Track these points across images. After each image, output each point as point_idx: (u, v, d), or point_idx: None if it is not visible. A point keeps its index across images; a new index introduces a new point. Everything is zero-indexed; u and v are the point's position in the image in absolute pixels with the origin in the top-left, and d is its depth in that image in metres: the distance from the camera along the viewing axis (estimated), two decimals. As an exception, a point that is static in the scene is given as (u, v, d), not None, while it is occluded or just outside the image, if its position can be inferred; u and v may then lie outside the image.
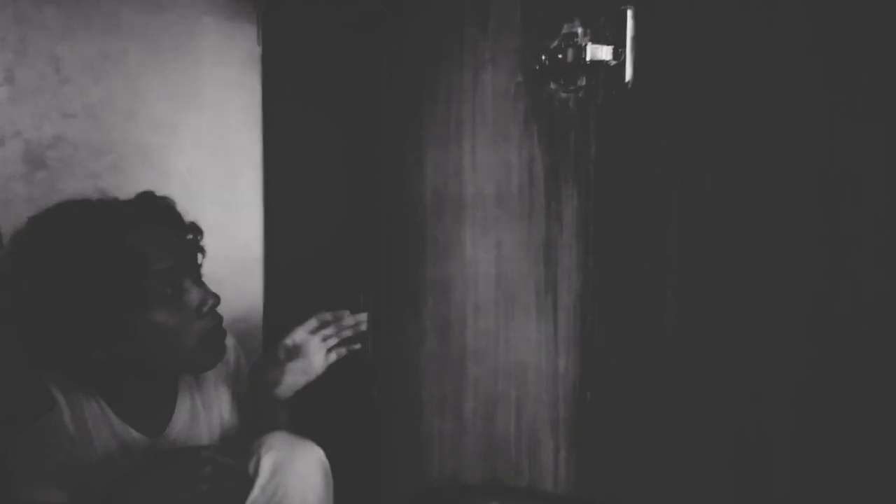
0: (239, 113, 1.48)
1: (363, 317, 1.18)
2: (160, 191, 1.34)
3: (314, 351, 1.15)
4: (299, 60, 1.43)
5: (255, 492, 1.02)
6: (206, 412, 1.17)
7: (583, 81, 0.86)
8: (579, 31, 0.86)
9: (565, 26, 0.88)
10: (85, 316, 0.99)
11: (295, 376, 1.15)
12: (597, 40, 0.84)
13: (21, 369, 0.88)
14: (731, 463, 0.75)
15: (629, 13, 0.81)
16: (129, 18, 1.32)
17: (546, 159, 0.92)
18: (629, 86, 0.82)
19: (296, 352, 1.15)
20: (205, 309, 1.06)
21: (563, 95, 0.89)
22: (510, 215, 0.97)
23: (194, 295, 1.06)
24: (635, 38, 0.81)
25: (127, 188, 1.33)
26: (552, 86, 0.90)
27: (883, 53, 0.64)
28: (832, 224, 0.67)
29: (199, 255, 1.14)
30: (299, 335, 1.16)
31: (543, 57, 0.89)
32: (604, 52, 0.83)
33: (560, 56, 0.87)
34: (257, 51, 1.49)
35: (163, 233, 1.07)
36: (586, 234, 0.88)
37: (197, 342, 1.06)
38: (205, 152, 1.44)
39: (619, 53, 0.82)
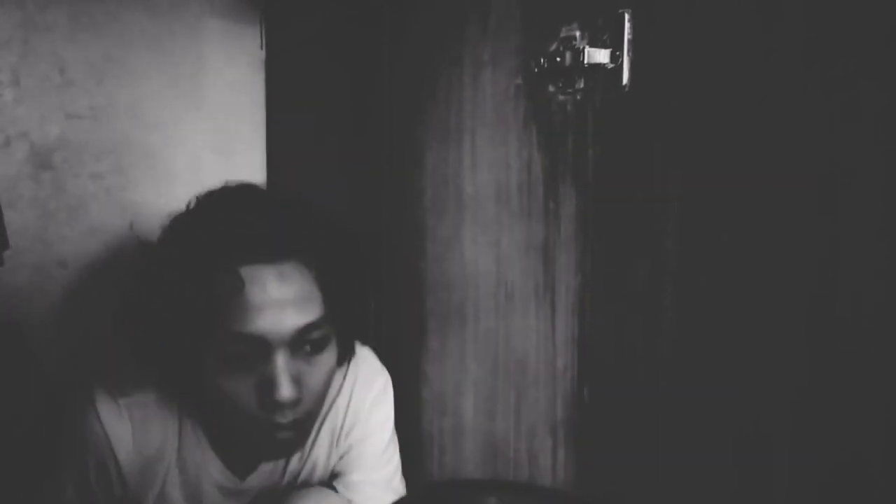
0: (242, 114, 1.49)
1: None
2: (162, 191, 1.34)
3: None
4: (301, 61, 1.43)
5: None
6: (297, 463, 0.97)
7: (581, 84, 0.87)
8: (577, 33, 0.87)
9: (564, 29, 0.88)
10: (164, 340, 0.82)
11: None
12: (594, 43, 0.84)
13: (20, 371, 0.88)
14: (731, 463, 0.75)
15: (626, 16, 0.82)
16: (132, 21, 1.33)
17: (545, 160, 0.92)
18: (626, 89, 0.82)
19: None
20: (267, 401, 0.80)
21: (562, 98, 0.89)
22: (509, 215, 0.97)
23: (267, 377, 0.80)
24: (633, 42, 0.82)
25: (130, 189, 1.34)
26: (551, 88, 0.90)
27: (881, 56, 0.64)
28: (831, 226, 0.67)
29: (337, 318, 0.86)
30: None
31: (542, 59, 0.89)
32: (601, 55, 0.83)
33: (558, 59, 0.87)
34: (260, 52, 1.50)
35: (280, 281, 0.81)
36: (584, 235, 0.88)
37: (249, 427, 0.82)
38: (208, 153, 1.45)
39: (616, 56, 0.83)
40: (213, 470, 0.91)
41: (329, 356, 0.86)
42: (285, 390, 0.79)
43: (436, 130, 1.07)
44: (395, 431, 1.04)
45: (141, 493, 0.89)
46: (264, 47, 1.49)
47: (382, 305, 1.18)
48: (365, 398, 0.98)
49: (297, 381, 0.81)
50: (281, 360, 0.80)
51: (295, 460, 0.96)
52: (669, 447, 0.80)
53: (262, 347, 0.79)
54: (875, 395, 0.65)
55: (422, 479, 1.10)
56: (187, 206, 0.88)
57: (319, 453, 0.97)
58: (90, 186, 1.30)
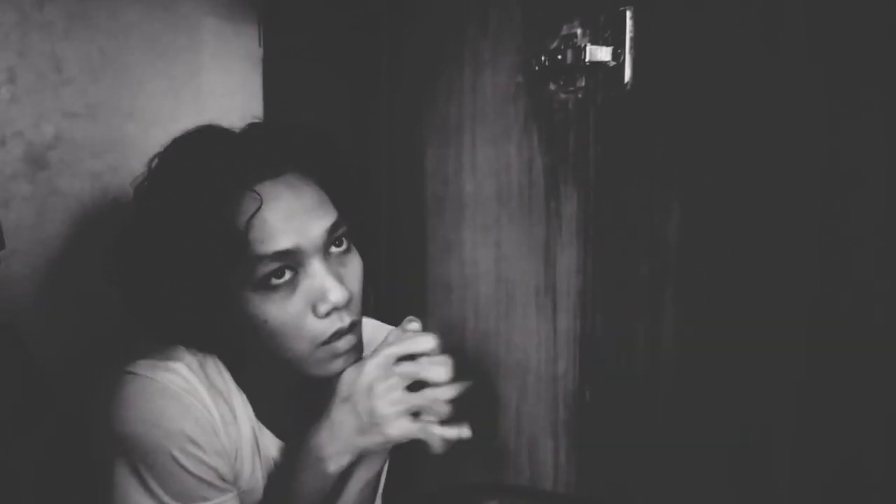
0: (240, 114, 1.48)
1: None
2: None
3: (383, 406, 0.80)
4: (300, 61, 1.43)
5: None
6: None
7: (582, 82, 0.87)
8: (579, 31, 0.87)
9: (565, 27, 0.88)
10: (183, 284, 0.77)
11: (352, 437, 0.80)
12: (596, 41, 0.84)
13: (19, 371, 0.87)
14: (732, 463, 0.75)
15: (628, 14, 0.81)
16: (130, 19, 1.32)
17: (546, 159, 0.92)
18: (628, 87, 0.82)
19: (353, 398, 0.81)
20: (322, 308, 0.78)
21: (563, 96, 0.89)
22: (510, 215, 0.97)
23: (315, 286, 0.78)
24: (634, 39, 0.81)
25: (127, 188, 1.34)
26: (552, 86, 0.90)
27: (883, 55, 0.64)
28: (833, 225, 0.67)
29: (348, 220, 0.83)
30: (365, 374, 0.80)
31: (543, 57, 0.89)
32: (603, 53, 0.83)
33: (559, 57, 0.87)
34: (258, 52, 1.49)
35: (292, 191, 0.79)
36: (586, 235, 0.88)
37: (308, 350, 0.79)
38: (206, 152, 1.44)
39: (618, 54, 0.82)
40: (266, 441, 0.88)
41: (355, 258, 0.84)
42: (337, 291, 0.78)
43: (435, 130, 1.07)
44: None
45: (238, 469, 0.85)
46: (262, 45, 1.49)
47: (382, 306, 1.18)
48: None
49: (341, 281, 0.79)
50: (320, 266, 0.78)
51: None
52: (671, 448, 0.80)
53: (298, 259, 0.78)
54: (876, 391, 0.65)
55: (422, 482, 1.09)
56: (167, 148, 0.84)
57: None
58: (87, 185, 1.29)
